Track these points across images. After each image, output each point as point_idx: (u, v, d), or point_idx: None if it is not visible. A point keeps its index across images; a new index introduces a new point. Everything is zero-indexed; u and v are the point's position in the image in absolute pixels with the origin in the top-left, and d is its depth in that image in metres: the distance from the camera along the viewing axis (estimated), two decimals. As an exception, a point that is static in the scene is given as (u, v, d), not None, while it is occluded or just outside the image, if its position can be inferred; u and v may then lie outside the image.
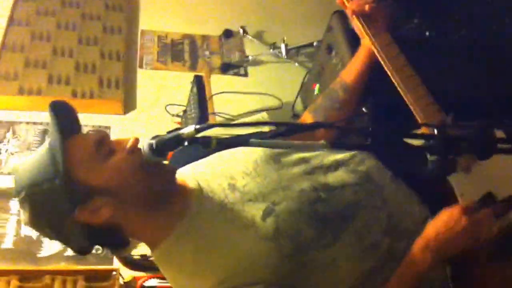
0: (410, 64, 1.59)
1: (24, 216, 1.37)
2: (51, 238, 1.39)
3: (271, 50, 3.42)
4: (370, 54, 1.64)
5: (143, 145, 1.28)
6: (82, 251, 1.42)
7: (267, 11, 3.47)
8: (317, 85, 2.96)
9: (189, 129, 1.26)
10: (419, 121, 1.54)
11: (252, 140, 1.26)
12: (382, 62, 1.60)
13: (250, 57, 3.44)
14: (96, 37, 3.53)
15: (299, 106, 3.15)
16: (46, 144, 1.36)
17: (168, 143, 1.29)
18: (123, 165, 1.32)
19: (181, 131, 1.27)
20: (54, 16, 3.59)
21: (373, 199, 1.49)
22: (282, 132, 1.35)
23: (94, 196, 1.31)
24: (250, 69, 3.46)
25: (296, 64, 3.40)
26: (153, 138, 1.29)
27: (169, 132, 1.31)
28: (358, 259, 1.43)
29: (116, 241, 1.40)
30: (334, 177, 1.51)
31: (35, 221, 1.35)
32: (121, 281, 2.48)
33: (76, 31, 3.56)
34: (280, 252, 1.36)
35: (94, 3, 3.72)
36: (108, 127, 3.08)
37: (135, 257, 2.57)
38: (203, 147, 1.24)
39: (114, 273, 2.49)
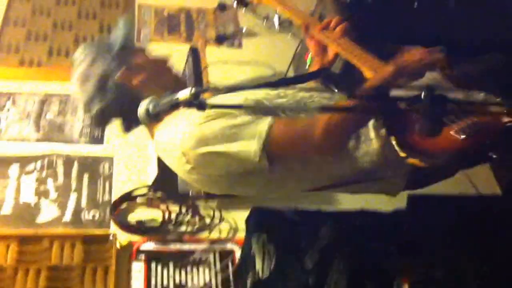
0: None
1: (80, 66, 1.80)
2: (89, 92, 1.78)
3: (264, 21, 3.48)
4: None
5: (140, 109, 1.41)
6: (104, 115, 1.80)
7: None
8: (309, 55, 2.99)
9: (184, 93, 1.36)
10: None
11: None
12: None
13: (244, 29, 3.50)
14: (94, 11, 3.60)
15: (291, 75, 3.17)
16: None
17: (163, 107, 1.41)
18: None
19: (177, 95, 1.37)
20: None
21: None
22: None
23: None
24: (244, 41, 3.52)
25: (289, 35, 3.45)
26: (150, 101, 1.41)
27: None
28: None
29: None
30: None
31: (88, 70, 1.78)
32: (117, 245, 2.54)
33: (75, 5, 3.63)
34: None
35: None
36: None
37: (131, 222, 2.69)
38: (198, 110, 1.35)
39: (111, 237, 2.54)
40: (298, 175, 1.77)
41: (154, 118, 1.44)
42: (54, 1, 3.63)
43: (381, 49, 1.88)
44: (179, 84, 1.82)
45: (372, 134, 1.76)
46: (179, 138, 1.67)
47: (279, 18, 3.42)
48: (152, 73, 1.82)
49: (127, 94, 1.78)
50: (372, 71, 1.77)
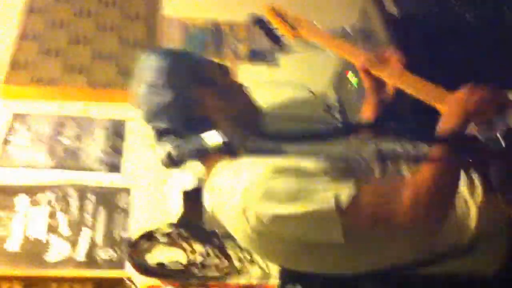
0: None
1: (156, 73, 1.59)
2: (164, 100, 1.56)
3: (303, 36, 3.17)
4: None
5: (162, 151, 1.30)
6: (164, 136, 1.55)
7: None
8: (350, 72, 2.70)
9: (215, 139, 1.26)
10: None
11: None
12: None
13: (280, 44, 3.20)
14: (113, 23, 3.33)
15: (332, 95, 2.95)
16: None
17: (189, 152, 1.21)
18: None
19: (205, 141, 1.27)
20: (70, 2, 3.39)
21: None
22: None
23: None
24: (280, 57, 3.23)
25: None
26: (173, 143, 1.29)
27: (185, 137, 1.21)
28: None
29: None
30: None
31: (170, 77, 1.58)
32: (134, 289, 2.28)
33: (90, 17, 3.36)
34: None
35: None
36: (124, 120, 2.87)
37: (150, 263, 2.40)
38: (230, 158, 1.26)
39: (126, 280, 2.32)
40: (375, 252, 1.46)
41: (177, 163, 1.21)
42: (71, 13, 3.36)
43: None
44: (254, 112, 1.66)
45: (464, 193, 1.44)
46: (240, 189, 1.36)
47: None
48: (227, 95, 1.62)
49: (197, 119, 1.55)
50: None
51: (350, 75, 2.72)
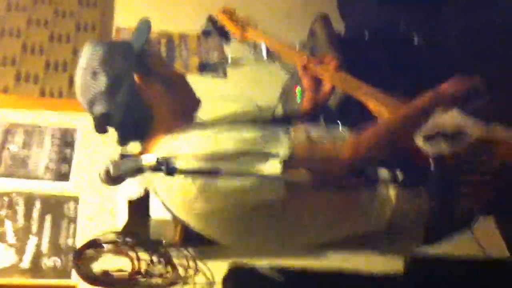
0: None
1: (90, 60, 1.64)
2: (99, 86, 1.62)
3: (252, 51, 3.24)
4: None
5: (101, 170, 1.31)
6: (107, 120, 1.65)
7: (248, 10, 3.30)
8: (298, 88, 2.78)
9: (150, 159, 1.28)
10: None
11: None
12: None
13: (229, 58, 3.27)
14: (68, 34, 3.35)
15: (279, 109, 2.96)
16: None
17: (126, 171, 1.25)
18: None
19: (143, 160, 1.28)
20: (25, 11, 3.41)
21: None
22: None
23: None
24: (229, 70, 3.28)
25: (278, 66, 3.22)
26: (113, 163, 1.25)
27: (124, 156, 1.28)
28: None
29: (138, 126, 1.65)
30: None
31: (105, 64, 1.62)
32: (80, 297, 2.27)
33: (48, 29, 3.38)
34: None
35: (68, -1, 3.53)
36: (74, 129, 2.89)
37: (95, 271, 2.42)
38: (167, 175, 1.29)
39: None
40: (314, 221, 1.65)
41: (115, 181, 1.27)
42: (25, 22, 3.37)
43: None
44: (194, 102, 1.78)
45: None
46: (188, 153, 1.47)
47: (267, 47, 3.19)
48: (169, 83, 1.72)
49: (137, 103, 1.67)
50: (383, 106, 1.77)
51: (298, 90, 2.79)
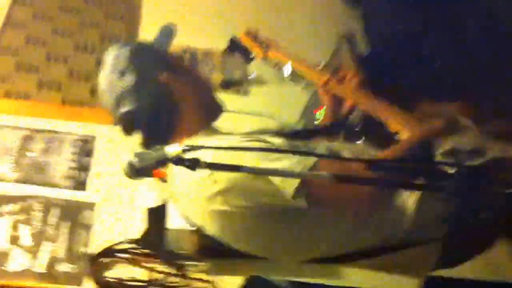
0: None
1: (117, 60, 1.64)
2: (126, 84, 1.62)
3: (274, 69, 3.24)
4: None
5: (125, 162, 1.24)
6: (132, 120, 1.63)
7: (273, 29, 3.30)
8: (318, 111, 2.77)
9: (175, 149, 1.23)
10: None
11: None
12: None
13: (252, 75, 3.27)
14: (93, 45, 3.37)
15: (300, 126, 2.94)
16: None
17: (150, 162, 1.23)
18: None
19: (167, 151, 1.23)
20: (51, 21, 3.43)
21: None
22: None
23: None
24: (251, 88, 3.29)
25: (301, 86, 3.22)
26: (136, 155, 1.24)
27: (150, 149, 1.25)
28: None
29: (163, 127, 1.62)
30: None
31: (132, 63, 1.62)
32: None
33: (71, 38, 3.40)
34: None
35: (94, 10, 3.55)
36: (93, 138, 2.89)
37: (109, 279, 2.40)
38: (189, 169, 1.21)
39: None
40: (331, 233, 1.59)
41: (139, 173, 1.24)
42: (51, 31, 3.39)
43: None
44: (217, 108, 1.74)
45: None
46: (210, 154, 1.43)
47: (291, 67, 3.19)
48: (194, 85, 1.71)
49: (162, 103, 1.64)
50: (402, 125, 1.76)
51: (318, 113, 2.79)
